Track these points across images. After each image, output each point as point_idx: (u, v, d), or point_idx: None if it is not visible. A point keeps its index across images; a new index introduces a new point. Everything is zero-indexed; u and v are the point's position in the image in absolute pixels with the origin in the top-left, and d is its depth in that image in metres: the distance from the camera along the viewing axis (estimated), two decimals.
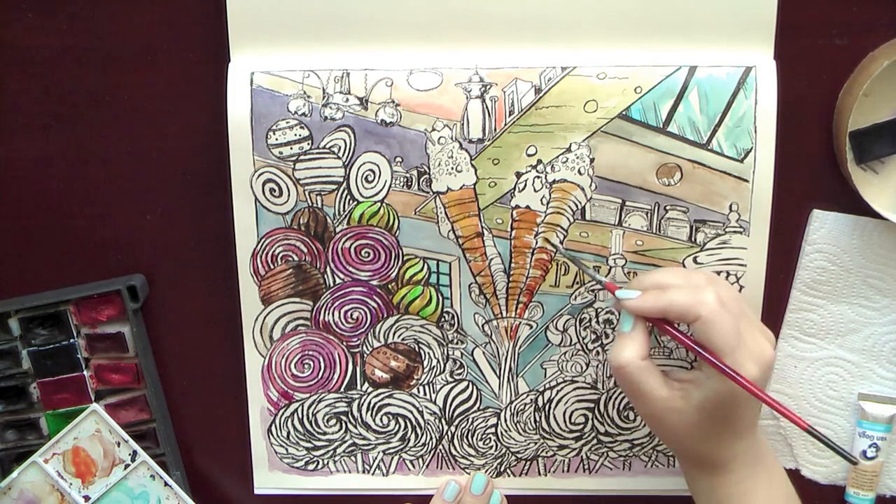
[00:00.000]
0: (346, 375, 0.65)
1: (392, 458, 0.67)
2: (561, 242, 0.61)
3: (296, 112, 0.60)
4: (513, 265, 0.62)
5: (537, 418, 0.66)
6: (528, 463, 0.67)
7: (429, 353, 0.65)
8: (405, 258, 0.62)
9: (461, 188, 0.61)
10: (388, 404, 0.66)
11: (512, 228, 0.61)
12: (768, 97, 0.58)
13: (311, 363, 0.65)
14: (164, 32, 0.61)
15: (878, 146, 0.59)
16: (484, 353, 0.64)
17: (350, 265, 0.63)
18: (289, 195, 0.61)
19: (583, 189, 0.60)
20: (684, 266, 0.61)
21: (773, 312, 0.64)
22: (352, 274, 0.63)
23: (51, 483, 0.66)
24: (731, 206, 0.60)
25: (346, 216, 0.62)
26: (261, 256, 0.63)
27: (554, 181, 0.60)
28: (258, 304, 0.64)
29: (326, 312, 0.64)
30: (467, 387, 0.65)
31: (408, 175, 0.61)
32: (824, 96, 0.60)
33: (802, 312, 0.64)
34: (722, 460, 0.56)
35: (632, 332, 0.55)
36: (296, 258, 0.63)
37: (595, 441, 0.66)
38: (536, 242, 0.62)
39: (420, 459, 0.67)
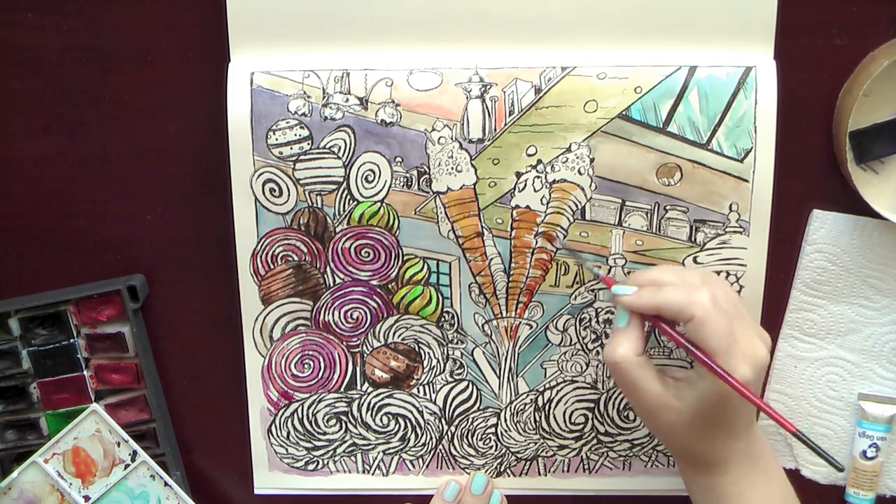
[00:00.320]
0: (346, 375, 0.65)
1: (392, 458, 0.67)
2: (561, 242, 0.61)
3: (296, 112, 0.60)
4: (513, 265, 0.62)
5: (537, 418, 0.66)
6: (528, 463, 0.67)
7: (429, 353, 0.65)
8: (405, 258, 0.63)
9: (461, 188, 0.61)
10: (388, 404, 0.66)
11: (512, 228, 0.61)
12: (768, 97, 0.58)
13: (311, 363, 0.65)
14: (164, 32, 0.61)
15: (878, 146, 0.59)
16: (484, 352, 0.64)
17: (350, 265, 0.63)
18: (289, 195, 0.61)
19: (583, 189, 0.60)
20: (684, 266, 0.61)
21: (773, 312, 0.64)
22: (352, 274, 0.63)
23: (51, 483, 0.66)
24: (731, 206, 0.60)
25: (346, 216, 0.62)
26: (261, 256, 0.63)
27: (554, 181, 0.60)
28: (258, 304, 0.64)
29: (326, 312, 0.64)
30: (467, 387, 0.65)
31: (408, 175, 0.61)
32: (824, 96, 0.60)
33: (802, 312, 0.64)
34: (718, 460, 0.56)
35: (627, 328, 0.55)
36: (296, 258, 0.63)
37: (595, 441, 0.66)
38: (536, 242, 0.62)
39: (420, 459, 0.67)
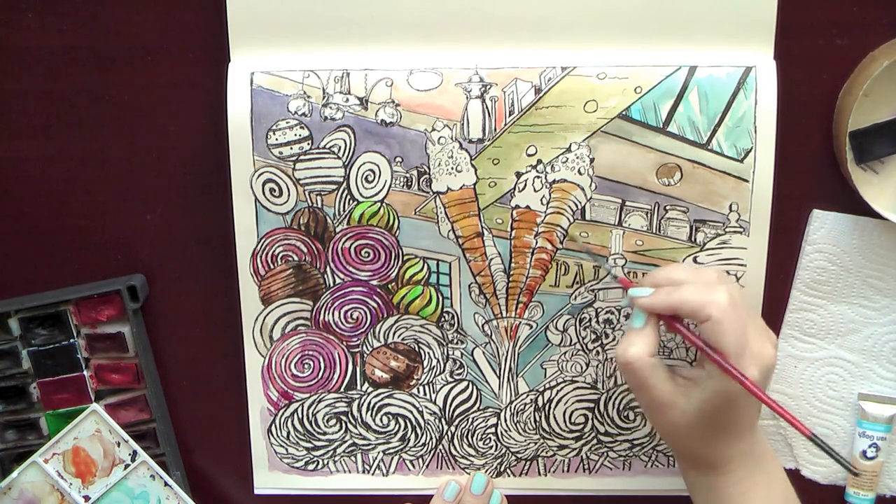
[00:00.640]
0: (346, 375, 0.65)
1: (392, 458, 0.67)
2: (561, 242, 0.61)
3: (296, 112, 0.60)
4: (513, 265, 0.62)
5: (537, 418, 0.66)
6: (528, 463, 0.67)
7: (429, 353, 0.65)
8: (405, 258, 0.63)
9: (461, 188, 0.61)
10: (388, 404, 0.66)
11: (512, 228, 0.61)
12: (768, 97, 0.58)
13: (311, 363, 0.65)
14: (164, 32, 0.61)
15: (878, 146, 0.59)
16: (484, 353, 0.64)
17: (350, 265, 0.63)
18: (289, 195, 0.61)
19: (583, 189, 0.60)
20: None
21: (773, 312, 0.64)
22: (352, 274, 0.63)
23: (51, 483, 0.66)
24: (731, 206, 0.60)
25: (346, 216, 0.62)
26: (261, 256, 0.63)
27: (554, 181, 0.60)
28: (258, 304, 0.64)
29: (326, 312, 0.64)
30: (467, 387, 0.65)
31: (408, 175, 0.61)
32: (824, 96, 0.60)
33: (802, 312, 0.64)
34: (721, 460, 0.56)
35: (642, 329, 0.55)
36: (296, 258, 0.63)
37: (595, 441, 0.66)
38: (536, 242, 0.62)
39: (420, 459, 0.67)
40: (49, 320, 0.65)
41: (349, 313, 0.64)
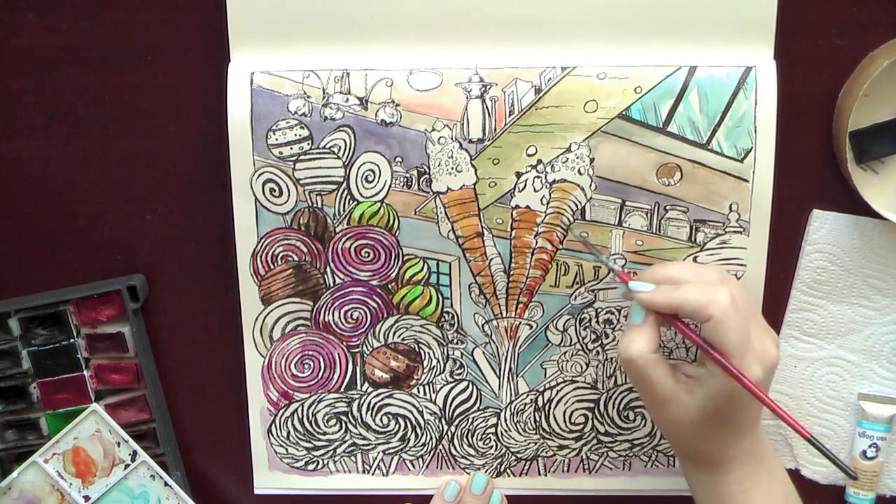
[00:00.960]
0: (346, 375, 0.65)
1: (392, 458, 0.67)
2: (561, 242, 0.61)
3: (296, 112, 0.60)
4: (513, 265, 0.62)
5: (537, 418, 0.66)
6: (528, 463, 0.67)
7: (429, 353, 0.65)
8: (405, 258, 0.63)
9: (461, 188, 0.61)
10: (388, 404, 0.66)
11: (512, 228, 0.61)
12: (768, 97, 0.58)
13: (311, 363, 0.65)
14: (164, 32, 0.61)
15: (878, 146, 0.59)
16: (484, 353, 0.64)
17: (350, 265, 0.63)
18: (289, 195, 0.61)
19: (583, 189, 0.60)
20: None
21: (773, 312, 0.64)
22: (352, 274, 0.63)
23: (51, 483, 0.66)
24: (731, 206, 0.60)
25: (346, 216, 0.62)
26: (261, 256, 0.63)
27: (554, 181, 0.60)
28: (258, 304, 0.64)
29: (326, 312, 0.64)
30: (467, 387, 0.65)
31: (408, 175, 0.61)
32: (824, 96, 0.60)
33: (802, 312, 0.64)
34: (722, 459, 0.56)
35: (642, 325, 0.55)
36: (296, 258, 0.63)
37: (595, 441, 0.66)
38: (536, 242, 0.62)
39: (420, 459, 0.67)
40: (49, 320, 0.65)
41: (349, 313, 0.64)
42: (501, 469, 0.67)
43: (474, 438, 0.66)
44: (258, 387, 0.66)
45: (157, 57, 0.61)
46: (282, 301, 0.64)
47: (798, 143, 0.61)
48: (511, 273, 0.62)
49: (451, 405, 0.66)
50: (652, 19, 0.59)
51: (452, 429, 0.66)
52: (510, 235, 0.62)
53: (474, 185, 0.61)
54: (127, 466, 0.66)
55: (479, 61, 0.59)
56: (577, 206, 0.61)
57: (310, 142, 0.60)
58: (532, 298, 0.63)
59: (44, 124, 0.63)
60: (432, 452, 0.67)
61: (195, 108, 0.62)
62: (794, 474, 0.67)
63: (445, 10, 0.59)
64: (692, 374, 0.56)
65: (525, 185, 0.60)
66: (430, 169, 0.60)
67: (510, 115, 0.59)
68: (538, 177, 0.60)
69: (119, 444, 0.66)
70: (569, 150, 0.60)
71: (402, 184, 0.61)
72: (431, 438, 0.67)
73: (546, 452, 0.67)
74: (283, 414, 0.66)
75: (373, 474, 0.68)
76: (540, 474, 0.67)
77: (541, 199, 0.61)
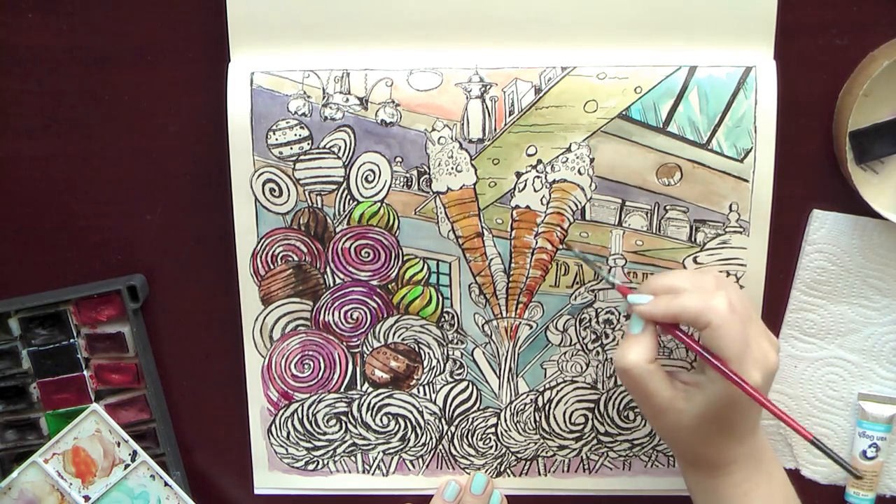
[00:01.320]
0: (346, 375, 0.65)
1: (392, 458, 0.67)
2: (561, 242, 0.61)
3: (296, 112, 0.60)
4: (513, 265, 0.62)
5: (537, 418, 0.66)
6: (528, 463, 0.67)
7: (429, 353, 0.65)
8: (405, 258, 0.63)
9: (461, 188, 0.61)
10: (388, 404, 0.66)
11: (512, 228, 0.61)
12: (768, 97, 0.58)
13: (311, 363, 0.65)
14: (164, 32, 0.61)
15: (878, 146, 0.59)
16: (484, 353, 0.64)
17: (350, 265, 0.63)
18: (289, 195, 0.61)
19: (583, 189, 0.60)
20: (684, 266, 0.61)
21: (773, 312, 0.64)
22: (352, 274, 0.63)
23: (51, 483, 0.66)
24: (731, 206, 0.60)
25: (346, 216, 0.62)
26: (261, 256, 0.63)
27: (554, 181, 0.60)
28: (258, 304, 0.64)
29: (326, 312, 0.64)
30: (467, 387, 0.65)
31: (408, 175, 0.61)
32: (824, 96, 0.60)
33: (802, 312, 0.64)
34: (722, 462, 0.56)
35: (640, 335, 0.55)
36: (296, 258, 0.63)
37: (595, 441, 0.66)
38: (536, 242, 0.62)
39: (420, 459, 0.67)
40: (49, 320, 0.65)
41: (349, 313, 0.64)
42: (501, 469, 0.67)
43: (474, 438, 0.66)
44: (258, 387, 0.66)
45: (157, 57, 0.61)
46: (282, 301, 0.64)
47: (798, 143, 0.61)
48: (511, 273, 0.62)
49: (451, 405, 0.66)
50: (652, 19, 0.59)
51: (452, 429, 0.66)
52: (510, 235, 0.62)
53: (474, 185, 0.61)
54: (127, 466, 0.66)
55: (479, 61, 0.59)
56: (577, 206, 0.61)
57: (310, 142, 0.60)
58: (532, 298, 0.63)
59: (44, 124, 0.63)
60: (432, 452, 0.67)
61: (195, 108, 0.62)
62: (794, 474, 0.67)
63: (445, 10, 0.59)
64: (690, 382, 0.56)
65: (525, 185, 0.60)
66: (430, 169, 0.60)
67: (510, 115, 0.59)
68: (538, 177, 0.60)
69: (119, 444, 0.66)
70: (569, 150, 0.60)
71: (402, 184, 0.61)
72: (431, 438, 0.67)
73: (546, 452, 0.67)
74: (283, 414, 0.66)
75: (373, 474, 0.68)
76: (540, 474, 0.67)
77: (541, 199, 0.61)
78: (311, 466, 0.68)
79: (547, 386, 0.65)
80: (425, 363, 0.65)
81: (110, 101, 0.62)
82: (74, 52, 0.61)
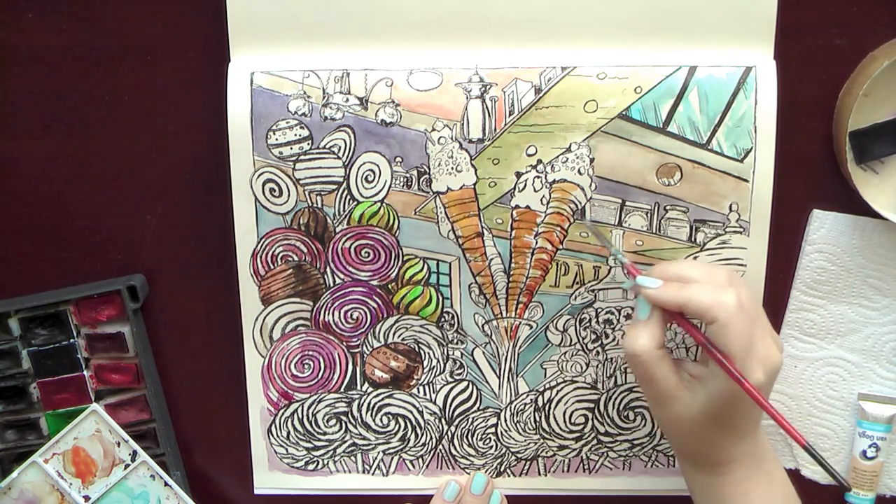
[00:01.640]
0: (346, 375, 0.65)
1: (392, 458, 0.67)
2: (561, 242, 0.61)
3: (296, 112, 0.60)
4: (513, 265, 0.62)
5: (537, 418, 0.66)
6: (528, 463, 0.67)
7: (429, 353, 0.65)
8: (405, 258, 0.63)
9: (461, 188, 0.61)
10: (388, 404, 0.66)
11: (512, 228, 0.61)
12: (768, 97, 0.58)
13: (311, 363, 0.65)
14: (164, 32, 0.61)
15: (878, 146, 0.59)
16: (484, 353, 0.64)
17: (350, 265, 0.63)
18: (289, 195, 0.61)
19: (583, 189, 0.60)
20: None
21: (773, 312, 0.63)
22: (352, 274, 0.63)
23: (51, 483, 0.66)
24: (731, 206, 0.60)
25: (346, 216, 0.62)
26: (261, 256, 0.63)
27: (554, 181, 0.60)
28: (258, 304, 0.64)
29: (326, 312, 0.64)
30: (467, 387, 0.65)
31: (408, 175, 0.61)
32: (824, 96, 0.60)
33: (802, 312, 0.64)
34: (722, 460, 0.56)
35: (648, 321, 0.55)
36: (296, 258, 0.63)
37: (595, 441, 0.66)
38: (536, 242, 0.62)
39: (420, 459, 0.67)
40: (49, 320, 0.65)
41: (349, 313, 0.64)
42: (501, 469, 0.67)
43: (474, 438, 0.66)
44: (258, 387, 0.66)
45: (157, 57, 0.61)
46: (282, 301, 0.64)
47: (798, 143, 0.61)
48: (511, 273, 0.62)
49: (451, 405, 0.66)
50: (652, 19, 0.59)
51: (452, 429, 0.66)
52: (510, 235, 0.62)
53: (474, 185, 0.61)
54: (127, 466, 0.66)
55: (479, 61, 0.59)
56: (577, 206, 0.61)
57: (310, 142, 0.60)
58: (532, 298, 0.63)
59: (44, 124, 0.63)
60: (432, 452, 0.67)
61: (195, 108, 0.62)
62: (794, 474, 0.67)
63: (445, 10, 0.59)
64: (695, 374, 0.56)
65: (525, 185, 0.60)
66: (430, 169, 0.60)
67: (510, 115, 0.59)
68: (538, 177, 0.60)
69: (119, 444, 0.66)
70: (569, 150, 0.60)
71: (402, 184, 0.61)
72: (431, 438, 0.67)
73: (546, 452, 0.67)
74: (283, 414, 0.66)
75: (373, 474, 0.68)
76: (540, 474, 0.67)
77: (541, 199, 0.61)
78: (311, 466, 0.68)
79: (547, 386, 0.65)
80: (425, 363, 0.65)
81: (110, 101, 0.62)
82: (74, 52, 0.61)
